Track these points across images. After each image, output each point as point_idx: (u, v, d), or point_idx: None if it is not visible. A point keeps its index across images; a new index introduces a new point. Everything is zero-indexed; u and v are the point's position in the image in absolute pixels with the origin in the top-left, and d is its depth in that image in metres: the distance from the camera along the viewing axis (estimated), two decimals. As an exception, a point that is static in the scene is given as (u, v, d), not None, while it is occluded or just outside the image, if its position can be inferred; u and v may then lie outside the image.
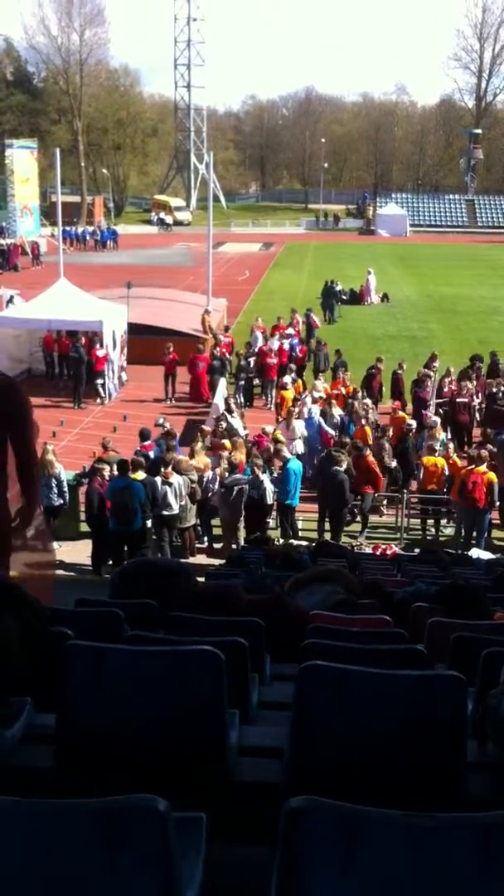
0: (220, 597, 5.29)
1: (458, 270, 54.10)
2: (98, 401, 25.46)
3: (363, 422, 18.57)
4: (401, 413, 19.72)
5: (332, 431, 18.87)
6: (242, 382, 24.93)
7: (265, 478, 15.11)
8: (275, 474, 15.89)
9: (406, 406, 21.92)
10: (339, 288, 38.93)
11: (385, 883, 1.73)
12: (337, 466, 15.52)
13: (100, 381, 25.56)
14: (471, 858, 1.72)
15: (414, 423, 19.05)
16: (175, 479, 14.40)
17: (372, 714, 2.83)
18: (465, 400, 21.04)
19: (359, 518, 16.69)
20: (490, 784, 3.08)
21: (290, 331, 28.64)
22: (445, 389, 21.71)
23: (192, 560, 14.40)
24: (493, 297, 44.24)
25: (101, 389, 25.58)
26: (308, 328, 30.32)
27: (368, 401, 20.67)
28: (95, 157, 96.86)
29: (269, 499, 15.10)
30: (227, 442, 16.87)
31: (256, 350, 26.08)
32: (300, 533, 16.03)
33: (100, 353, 25.34)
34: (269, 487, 15.05)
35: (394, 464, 17.61)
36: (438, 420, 19.14)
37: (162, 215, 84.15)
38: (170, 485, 14.29)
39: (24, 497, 5.42)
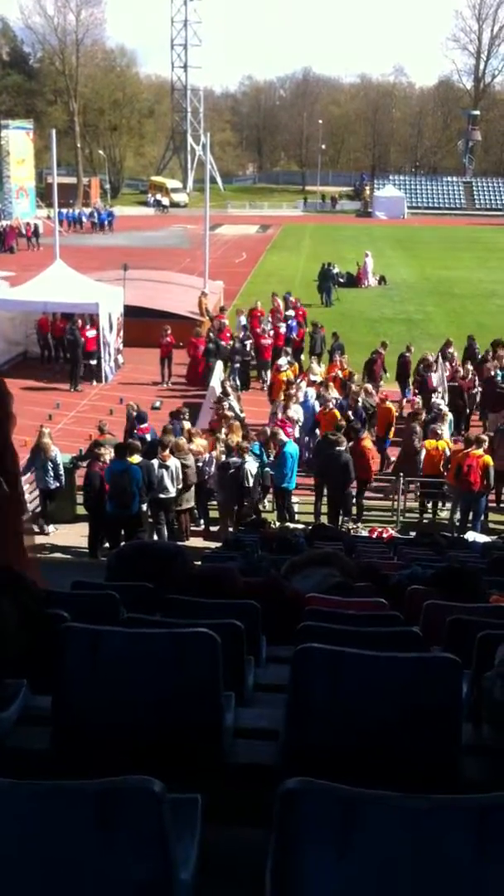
0: (216, 580, 5.30)
1: (455, 253, 53.98)
2: (94, 382, 25.39)
3: (330, 405, 18.40)
4: (388, 404, 19.42)
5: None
6: (238, 365, 24.88)
7: (249, 459, 15.02)
8: (271, 458, 15.88)
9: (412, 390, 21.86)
10: (336, 271, 38.81)
11: (381, 865, 1.74)
12: (338, 447, 15.50)
13: (92, 362, 25.49)
14: (467, 840, 1.72)
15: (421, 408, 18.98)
16: (172, 461, 14.39)
17: (367, 697, 2.84)
18: (463, 384, 20.98)
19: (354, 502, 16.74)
20: (485, 767, 3.09)
21: (290, 312, 28.49)
22: (447, 374, 21.62)
23: (188, 543, 14.41)
24: (491, 279, 44.18)
25: (95, 370, 25.51)
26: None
27: (370, 385, 20.51)
28: (91, 139, 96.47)
29: (250, 481, 14.98)
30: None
31: (249, 333, 25.93)
32: (296, 516, 16.03)
33: (90, 333, 25.28)
34: (251, 470, 14.94)
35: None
36: (444, 404, 19.05)
37: (158, 197, 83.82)
38: (167, 468, 14.28)
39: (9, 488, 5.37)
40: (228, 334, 26.33)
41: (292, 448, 15.81)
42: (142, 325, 27.37)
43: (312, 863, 1.74)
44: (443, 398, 20.02)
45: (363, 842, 1.72)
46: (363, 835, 1.72)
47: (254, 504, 15.41)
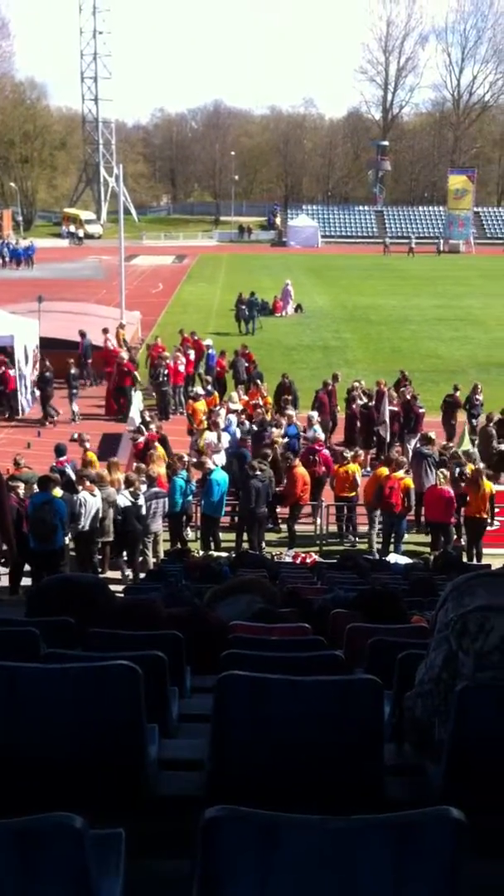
0: (138, 611, 5.26)
1: (369, 281, 54.99)
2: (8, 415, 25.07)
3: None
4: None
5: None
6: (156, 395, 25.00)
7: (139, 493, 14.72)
8: (194, 486, 15.86)
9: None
10: (258, 300, 39.20)
11: (304, 886, 1.74)
12: (258, 473, 15.60)
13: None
14: (386, 858, 1.75)
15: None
16: (95, 493, 14.25)
17: (291, 721, 2.85)
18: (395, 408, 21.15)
19: (284, 527, 16.85)
20: (407, 785, 3.13)
21: (209, 341, 28.55)
22: (355, 405, 21.58)
23: (111, 575, 14.25)
24: (404, 306, 45.09)
25: (12, 403, 25.20)
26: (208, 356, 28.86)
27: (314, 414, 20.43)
28: (2, 171, 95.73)
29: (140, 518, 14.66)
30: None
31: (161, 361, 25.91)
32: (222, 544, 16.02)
33: (12, 372, 25.00)
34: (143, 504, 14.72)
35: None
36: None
37: (72, 228, 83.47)
38: (89, 500, 14.12)
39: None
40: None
41: (219, 476, 15.80)
42: (58, 356, 27.13)
43: (236, 889, 1.74)
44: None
45: (285, 865, 1.73)
46: (285, 858, 1.73)
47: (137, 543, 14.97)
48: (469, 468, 16.11)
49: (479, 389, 22.50)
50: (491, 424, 19.88)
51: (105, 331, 27.93)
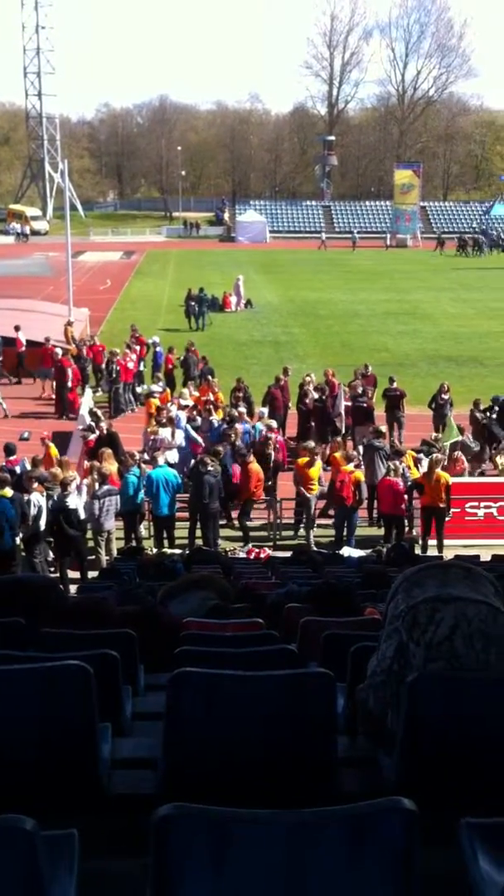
0: (90, 610, 5.23)
1: (318, 275, 55.18)
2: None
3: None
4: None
5: (199, 439, 18.81)
6: (110, 392, 24.85)
7: (72, 492, 14.56)
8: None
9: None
10: (207, 295, 39.10)
11: (258, 881, 1.74)
12: (210, 468, 15.59)
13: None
14: (340, 850, 1.75)
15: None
16: (42, 493, 14.12)
17: (243, 716, 2.85)
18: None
19: (237, 524, 16.83)
20: (361, 777, 3.14)
21: (156, 339, 28.44)
22: (307, 400, 21.62)
23: (72, 574, 14.16)
24: (353, 300, 45.33)
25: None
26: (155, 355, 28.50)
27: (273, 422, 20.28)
28: None
29: (82, 515, 14.45)
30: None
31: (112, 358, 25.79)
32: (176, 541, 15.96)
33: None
34: (79, 505, 14.47)
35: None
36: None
37: (17, 225, 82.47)
38: (39, 500, 13.98)
39: None
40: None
41: (162, 473, 15.66)
42: (4, 354, 26.87)
43: (190, 886, 1.74)
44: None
45: (238, 861, 1.73)
46: (238, 854, 1.73)
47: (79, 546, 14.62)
48: (435, 457, 16.34)
49: (446, 389, 21.89)
50: (476, 411, 20.32)
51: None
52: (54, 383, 25.51)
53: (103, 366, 26.28)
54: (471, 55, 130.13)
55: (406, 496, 15.90)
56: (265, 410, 20.51)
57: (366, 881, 1.75)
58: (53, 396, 25.60)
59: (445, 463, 16.57)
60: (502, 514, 16.95)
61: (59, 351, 25.70)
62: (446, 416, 20.85)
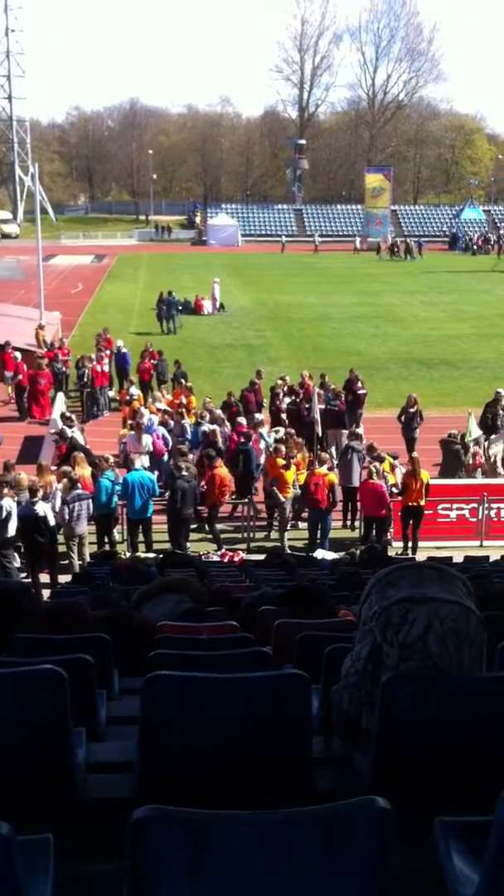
0: (64, 615, 5.20)
1: (290, 279, 55.27)
2: None
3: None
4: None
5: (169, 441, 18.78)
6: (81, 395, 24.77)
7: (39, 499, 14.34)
8: (119, 487, 15.71)
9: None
10: (176, 298, 38.99)
11: (234, 882, 1.75)
12: (184, 473, 15.58)
13: None
14: (315, 850, 1.76)
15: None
16: (14, 497, 14.02)
17: (218, 718, 2.86)
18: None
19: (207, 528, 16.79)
20: (336, 777, 3.16)
21: (120, 342, 28.34)
22: (278, 401, 21.67)
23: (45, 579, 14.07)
24: (325, 303, 45.45)
25: None
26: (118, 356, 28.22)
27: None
28: None
29: (51, 521, 14.26)
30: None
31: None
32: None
33: None
34: (48, 511, 14.28)
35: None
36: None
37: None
38: (9, 506, 13.89)
39: None
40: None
41: (134, 476, 15.60)
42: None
43: (167, 888, 1.74)
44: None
45: (214, 862, 1.73)
46: (214, 855, 1.73)
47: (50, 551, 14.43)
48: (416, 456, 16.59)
49: (413, 402, 21.21)
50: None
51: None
52: (12, 388, 25.40)
53: (69, 370, 26.27)
54: (440, 59, 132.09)
55: (388, 498, 16.01)
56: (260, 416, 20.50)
57: (341, 880, 1.76)
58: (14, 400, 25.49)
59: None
60: (474, 516, 17.07)
61: (17, 355, 25.43)
62: (415, 429, 20.81)
